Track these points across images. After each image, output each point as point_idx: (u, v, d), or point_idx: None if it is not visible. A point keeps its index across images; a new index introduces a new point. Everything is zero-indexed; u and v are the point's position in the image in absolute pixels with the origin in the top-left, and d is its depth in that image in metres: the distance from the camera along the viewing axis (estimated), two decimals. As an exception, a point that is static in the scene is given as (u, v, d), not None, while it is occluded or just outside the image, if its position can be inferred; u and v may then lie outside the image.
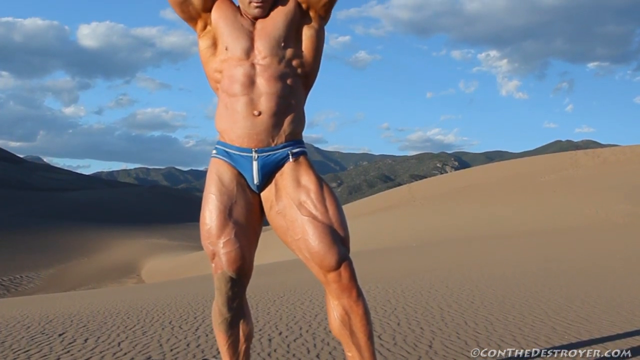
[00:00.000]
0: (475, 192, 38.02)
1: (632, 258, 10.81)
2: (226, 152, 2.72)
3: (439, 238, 23.61)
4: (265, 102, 2.63)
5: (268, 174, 2.69)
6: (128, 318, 6.15)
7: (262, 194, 2.73)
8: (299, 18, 2.74)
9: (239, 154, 2.68)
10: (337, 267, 2.52)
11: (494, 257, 13.09)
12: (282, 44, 2.68)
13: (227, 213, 2.62)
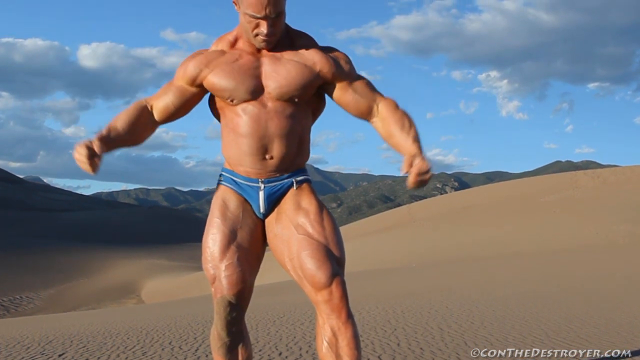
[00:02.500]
0: (475, 213, 38.03)
1: (633, 278, 10.80)
2: (233, 180, 2.73)
3: (439, 258, 23.60)
4: (277, 146, 2.62)
5: (273, 202, 2.71)
6: (128, 338, 6.15)
7: (266, 220, 2.74)
8: (315, 85, 2.66)
9: (246, 184, 2.70)
10: (329, 284, 2.48)
11: (493, 277, 13.08)
12: (296, 98, 2.62)
13: (231, 237, 2.61)
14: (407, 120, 2.62)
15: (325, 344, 2.53)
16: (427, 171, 2.42)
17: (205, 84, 2.67)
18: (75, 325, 7.93)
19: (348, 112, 2.71)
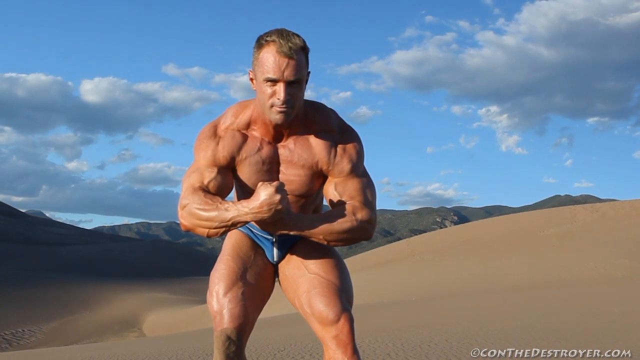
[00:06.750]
0: (474, 247, 37.93)
1: (631, 313, 10.83)
2: (248, 228, 2.84)
3: (439, 292, 23.58)
4: None
5: (286, 250, 2.84)
6: (132, 371, 6.24)
7: (278, 265, 2.87)
8: (321, 174, 2.68)
9: (260, 234, 2.82)
10: (337, 320, 2.52)
11: (493, 311, 13.11)
12: (307, 196, 2.73)
13: (239, 274, 2.66)
14: (333, 220, 2.54)
15: None
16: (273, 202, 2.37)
17: (237, 160, 2.66)
18: (77, 359, 8.01)
19: (325, 198, 2.73)
